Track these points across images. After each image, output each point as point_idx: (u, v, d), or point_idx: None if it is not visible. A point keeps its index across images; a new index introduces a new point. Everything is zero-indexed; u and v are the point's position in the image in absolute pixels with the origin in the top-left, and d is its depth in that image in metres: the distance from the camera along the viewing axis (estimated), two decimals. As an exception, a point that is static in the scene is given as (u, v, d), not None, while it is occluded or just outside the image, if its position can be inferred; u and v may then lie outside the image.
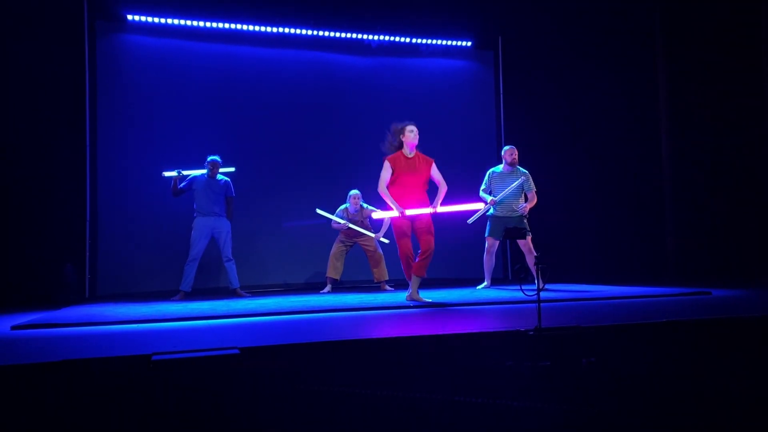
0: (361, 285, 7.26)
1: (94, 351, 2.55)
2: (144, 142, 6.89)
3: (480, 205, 5.82)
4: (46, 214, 6.15)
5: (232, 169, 6.41)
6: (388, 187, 4.74)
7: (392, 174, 4.71)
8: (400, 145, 4.76)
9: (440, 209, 4.81)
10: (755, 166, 7.59)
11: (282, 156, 7.44)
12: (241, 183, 6.58)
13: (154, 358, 2.20)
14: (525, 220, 6.08)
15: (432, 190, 4.87)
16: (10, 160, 6.08)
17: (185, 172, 6.16)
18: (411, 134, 4.70)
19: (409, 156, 4.73)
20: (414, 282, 4.72)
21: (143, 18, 6.91)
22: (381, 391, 2.38)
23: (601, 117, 8.05)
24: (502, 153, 6.23)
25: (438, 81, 8.07)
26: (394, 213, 4.67)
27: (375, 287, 6.78)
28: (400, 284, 6.66)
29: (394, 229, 4.77)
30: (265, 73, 7.45)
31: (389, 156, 4.76)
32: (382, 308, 4.36)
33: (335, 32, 7.61)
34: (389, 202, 4.70)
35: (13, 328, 3.56)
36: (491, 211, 6.16)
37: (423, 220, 4.71)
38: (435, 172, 4.83)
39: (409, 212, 4.66)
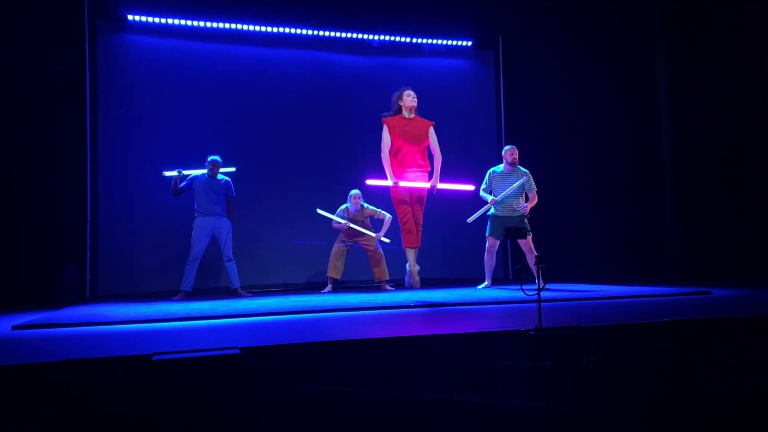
0: (362, 285, 7.26)
1: (95, 351, 2.55)
2: (144, 142, 6.90)
3: (471, 187, 5.81)
4: (47, 214, 6.16)
5: (233, 169, 6.41)
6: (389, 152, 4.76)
7: (391, 136, 4.73)
8: (399, 110, 4.80)
9: (440, 186, 4.83)
10: (756, 166, 7.59)
11: (282, 155, 7.44)
12: (241, 183, 6.58)
13: (154, 358, 2.20)
14: (525, 220, 6.08)
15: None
16: (11, 160, 6.09)
17: (186, 172, 6.17)
18: (409, 98, 4.77)
19: (408, 117, 4.77)
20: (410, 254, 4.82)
21: (143, 18, 6.92)
22: (381, 391, 2.38)
23: (601, 117, 8.05)
24: (503, 153, 6.23)
25: (438, 81, 8.07)
26: (389, 183, 4.72)
27: (375, 287, 6.78)
28: (400, 284, 6.66)
29: (392, 194, 4.80)
30: (265, 73, 7.45)
31: (387, 117, 4.78)
32: (382, 308, 4.35)
33: (335, 32, 7.61)
34: (387, 170, 4.73)
35: (14, 328, 3.55)
36: (492, 210, 6.16)
37: (420, 189, 4.77)
38: (432, 137, 4.83)
39: (403, 184, 4.69)
